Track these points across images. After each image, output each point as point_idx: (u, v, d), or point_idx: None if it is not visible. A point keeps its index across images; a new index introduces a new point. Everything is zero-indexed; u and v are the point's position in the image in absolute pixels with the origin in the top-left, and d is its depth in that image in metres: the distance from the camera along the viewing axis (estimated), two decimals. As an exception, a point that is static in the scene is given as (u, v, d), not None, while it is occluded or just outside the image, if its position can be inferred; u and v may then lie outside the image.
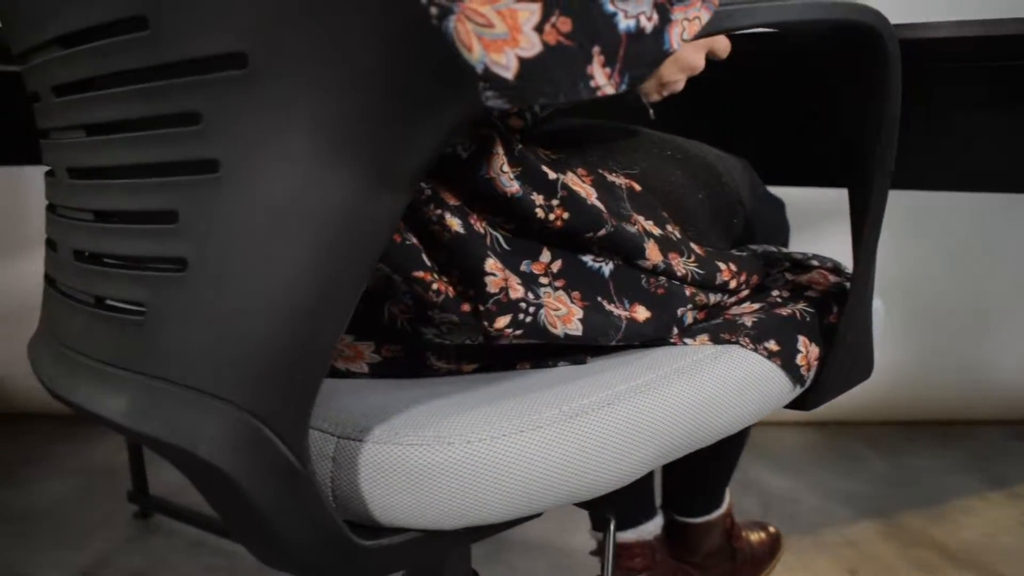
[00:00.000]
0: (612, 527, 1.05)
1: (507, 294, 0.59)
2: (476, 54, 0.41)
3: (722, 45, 0.79)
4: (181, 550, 1.83)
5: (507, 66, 0.41)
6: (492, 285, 0.58)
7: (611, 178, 0.71)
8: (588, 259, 0.66)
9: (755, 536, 1.42)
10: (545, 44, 0.42)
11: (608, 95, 0.44)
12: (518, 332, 0.60)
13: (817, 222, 2.17)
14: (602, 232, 0.64)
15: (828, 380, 0.77)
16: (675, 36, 0.47)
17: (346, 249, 0.49)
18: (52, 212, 0.71)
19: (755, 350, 0.70)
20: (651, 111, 0.86)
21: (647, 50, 0.46)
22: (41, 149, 0.74)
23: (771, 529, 1.46)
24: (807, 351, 0.74)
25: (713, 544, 1.32)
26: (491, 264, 0.59)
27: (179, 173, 0.51)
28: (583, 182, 0.66)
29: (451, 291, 0.59)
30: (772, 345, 0.71)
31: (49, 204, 0.73)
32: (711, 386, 0.66)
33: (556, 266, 0.65)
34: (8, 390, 2.73)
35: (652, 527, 1.25)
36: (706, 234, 0.78)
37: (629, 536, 1.23)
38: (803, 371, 0.73)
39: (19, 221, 2.66)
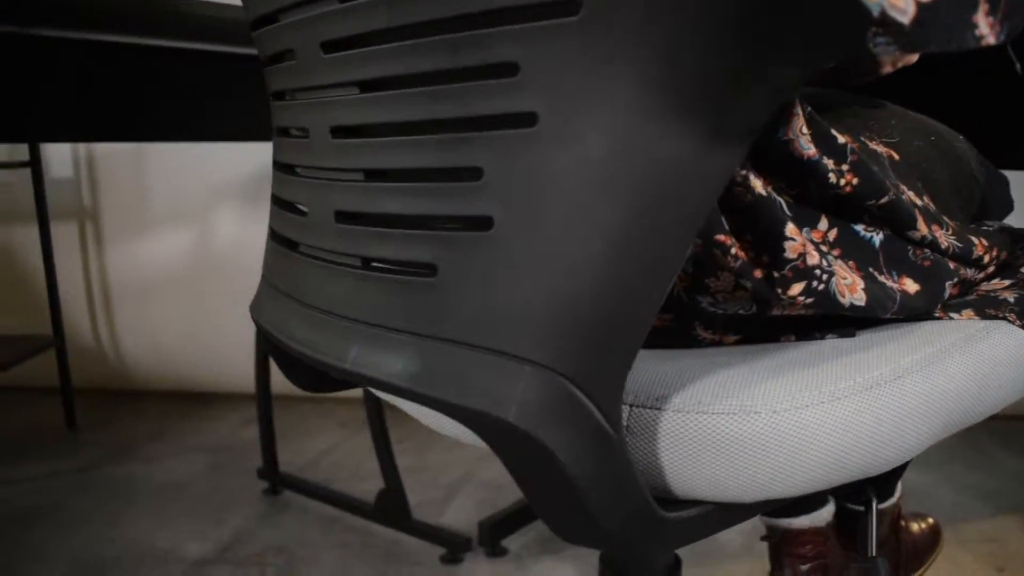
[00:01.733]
0: (874, 505, 1.03)
1: (804, 260, 0.56)
2: None
3: None
4: (313, 526, 1.84)
5: (904, 10, 0.39)
6: (791, 250, 0.56)
7: (872, 146, 0.68)
8: (860, 228, 0.63)
9: (916, 526, 1.38)
10: None
11: (989, 46, 0.42)
12: (809, 300, 0.57)
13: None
14: (884, 200, 0.61)
15: (1082, 361, 0.73)
16: None
17: (673, 208, 0.46)
18: (290, 173, 0.69)
19: (1023, 327, 0.67)
20: (1018, 64, 0.82)
21: None
22: (275, 110, 0.73)
23: (930, 520, 1.41)
24: (1067, 329, 0.70)
25: (881, 534, 1.28)
26: (791, 228, 0.56)
27: (486, 128, 0.49)
28: None
29: (744, 256, 0.57)
30: (1037, 321, 0.68)
31: (284, 165, 0.71)
32: (988, 361, 0.63)
33: (832, 234, 0.62)
34: (128, 368, 2.78)
35: (825, 514, 1.21)
36: (949, 207, 0.75)
37: (803, 522, 1.19)
38: (1063, 350, 0.70)
39: (140, 201, 2.69)
